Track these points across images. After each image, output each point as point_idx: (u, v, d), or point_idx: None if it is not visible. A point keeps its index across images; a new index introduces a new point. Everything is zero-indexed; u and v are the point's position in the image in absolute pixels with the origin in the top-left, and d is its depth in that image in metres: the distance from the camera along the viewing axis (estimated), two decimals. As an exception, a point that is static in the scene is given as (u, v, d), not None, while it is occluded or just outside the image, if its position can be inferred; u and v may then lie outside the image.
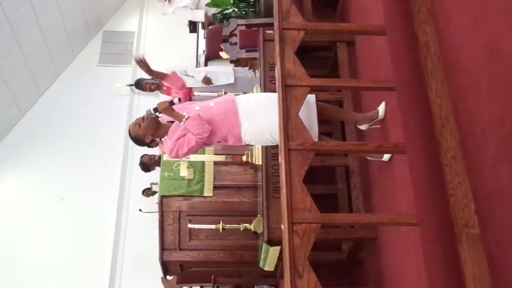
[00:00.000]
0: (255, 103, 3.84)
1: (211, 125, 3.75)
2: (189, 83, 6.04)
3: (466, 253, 2.17)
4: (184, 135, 3.75)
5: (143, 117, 3.87)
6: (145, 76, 6.48)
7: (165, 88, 6.09)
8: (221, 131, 3.82)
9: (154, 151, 6.02)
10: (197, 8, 6.74)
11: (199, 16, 6.99)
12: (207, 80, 6.00)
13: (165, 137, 3.86)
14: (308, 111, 3.72)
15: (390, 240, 3.90)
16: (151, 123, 3.84)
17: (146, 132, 3.84)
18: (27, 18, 7.60)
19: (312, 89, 3.51)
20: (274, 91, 4.19)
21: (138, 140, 3.91)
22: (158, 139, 3.91)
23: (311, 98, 3.85)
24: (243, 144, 3.92)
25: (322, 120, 3.94)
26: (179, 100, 3.94)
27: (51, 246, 7.62)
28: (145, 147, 4.12)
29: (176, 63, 6.21)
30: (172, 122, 3.91)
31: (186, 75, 6.06)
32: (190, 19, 7.30)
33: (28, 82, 8.43)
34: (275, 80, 3.64)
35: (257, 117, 3.78)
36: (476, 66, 2.29)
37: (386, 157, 3.88)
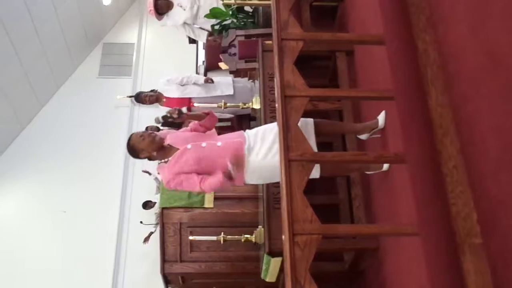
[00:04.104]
0: (254, 143, 3.81)
1: (214, 165, 3.75)
2: (189, 93, 6.04)
3: (468, 264, 2.14)
4: (186, 173, 3.76)
5: (151, 133, 3.88)
6: (144, 89, 6.50)
7: (164, 100, 6.08)
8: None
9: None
10: (195, 22, 6.75)
11: (202, 38, 7.01)
12: (207, 80, 6.03)
13: (166, 159, 3.86)
14: (305, 133, 3.68)
15: (392, 250, 3.88)
16: (155, 143, 3.85)
17: (146, 148, 3.85)
18: (27, 31, 7.61)
19: (312, 99, 3.50)
20: (273, 101, 4.19)
21: (134, 151, 3.90)
22: (155, 159, 3.93)
23: (309, 121, 3.82)
24: (245, 184, 3.93)
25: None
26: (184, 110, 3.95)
27: (52, 259, 7.59)
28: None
29: (173, 75, 6.20)
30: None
31: (183, 84, 6.06)
32: (192, 37, 7.30)
33: (29, 95, 8.43)
34: (274, 90, 3.63)
35: (255, 158, 3.77)
36: (476, 74, 2.28)
37: (385, 166, 3.87)
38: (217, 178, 3.71)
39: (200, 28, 6.87)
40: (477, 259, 2.14)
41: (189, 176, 3.76)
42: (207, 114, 4.06)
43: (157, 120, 6.47)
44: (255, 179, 3.90)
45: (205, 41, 7.05)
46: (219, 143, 3.84)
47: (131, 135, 3.95)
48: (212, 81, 6.03)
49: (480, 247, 2.16)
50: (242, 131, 4.00)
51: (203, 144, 3.83)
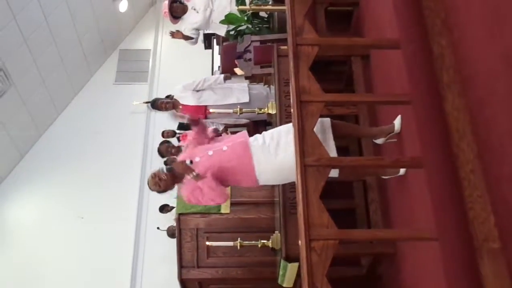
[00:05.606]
0: (269, 143, 3.84)
1: (224, 171, 3.82)
2: (205, 100, 6.05)
3: (486, 268, 2.13)
4: (199, 188, 3.83)
5: (160, 176, 3.92)
6: (160, 95, 6.53)
7: (180, 107, 6.10)
8: (235, 176, 3.88)
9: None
10: (207, 27, 6.80)
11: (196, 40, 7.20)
12: (226, 77, 6.15)
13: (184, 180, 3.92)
14: (323, 135, 3.69)
15: (409, 254, 3.86)
16: (169, 181, 3.93)
17: (166, 189, 3.96)
18: (44, 38, 7.69)
19: (327, 104, 3.50)
20: (289, 106, 4.19)
21: (163, 191, 4.02)
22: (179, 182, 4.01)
23: (326, 122, 3.83)
24: (259, 185, 3.97)
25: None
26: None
27: (70, 264, 7.63)
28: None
29: (188, 81, 6.21)
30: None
31: (198, 90, 6.08)
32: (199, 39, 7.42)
33: (46, 102, 8.51)
34: (290, 95, 3.63)
35: (271, 158, 3.79)
36: (492, 77, 2.26)
37: (402, 171, 3.85)
38: (198, 190, 3.81)
39: (210, 33, 7.00)
40: (495, 263, 2.12)
41: (204, 192, 3.84)
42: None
43: (169, 156, 6.56)
44: (266, 179, 3.91)
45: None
46: (224, 148, 3.89)
47: (148, 182, 4.03)
48: (230, 77, 6.09)
49: (498, 251, 2.14)
50: (245, 131, 4.08)
51: (210, 153, 3.88)
